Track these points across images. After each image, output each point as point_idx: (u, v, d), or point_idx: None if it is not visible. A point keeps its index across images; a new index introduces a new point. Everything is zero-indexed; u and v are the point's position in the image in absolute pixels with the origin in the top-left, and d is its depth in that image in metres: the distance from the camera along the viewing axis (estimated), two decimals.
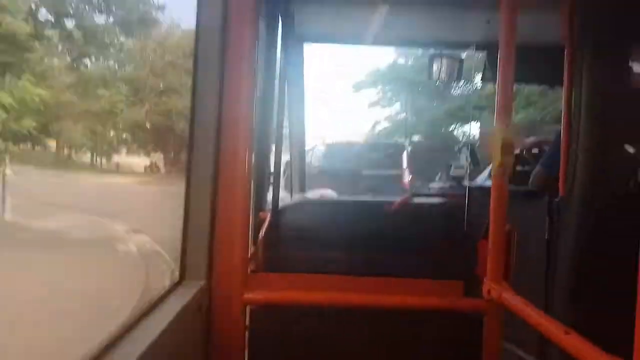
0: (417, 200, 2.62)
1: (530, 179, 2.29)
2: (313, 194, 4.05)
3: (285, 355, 1.40)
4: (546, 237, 1.98)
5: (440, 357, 1.41)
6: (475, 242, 1.62)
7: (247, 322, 1.39)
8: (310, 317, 1.43)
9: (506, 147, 1.33)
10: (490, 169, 3.23)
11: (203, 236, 1.35)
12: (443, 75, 2.58)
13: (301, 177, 3.55)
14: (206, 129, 1.36)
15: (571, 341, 1.01)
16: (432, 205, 2.64)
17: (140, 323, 1.07)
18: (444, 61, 2.58)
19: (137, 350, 0.95)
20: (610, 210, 1.82)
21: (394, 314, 1.42)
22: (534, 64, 2.46)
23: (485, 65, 2.66)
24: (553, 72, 2.35)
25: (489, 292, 1.37)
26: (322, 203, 2.78)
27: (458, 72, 2.56)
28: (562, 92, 2.14)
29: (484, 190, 2.19)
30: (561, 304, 1.81)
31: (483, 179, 3.10)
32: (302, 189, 3.56)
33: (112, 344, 0.96)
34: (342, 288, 1.43)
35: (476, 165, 2.81)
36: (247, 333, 1.38)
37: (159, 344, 1.00)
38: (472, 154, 2.72)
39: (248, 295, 1.36)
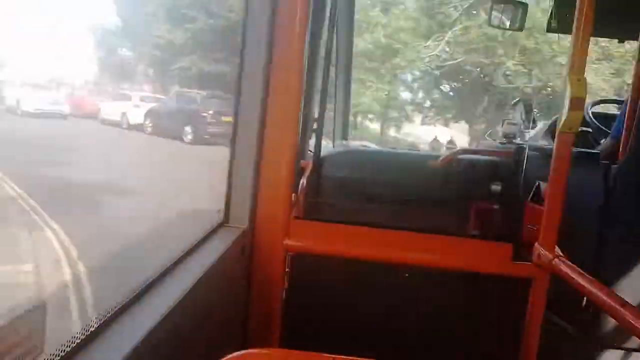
0: (465, 156, 2.51)
1: (601, 151, 2.14)
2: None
3: (325, 303, 1.40)
4: (601, 204, 1.87)
5: (481, 319, 1.38)
6: (523, 203, 1.55)
7: (288, 267, 1.40)
8: (350, 267, 1.42)
9: (576, 103, 1.22)
10: (545, 128, 3.04)
11: (247, 180, 1.34)
12: (505, 21, 2.39)
13: (345, 124, 3.48)
14: (255, 72, 1.31)
15: (629, 315, 0.95)
16: (480, 163, 2.53)
17: (184, 261, 1.09)
18: (507, 6, 2.38)
19: (182, 286, 0.96)
20: None
21: (436, 271, 1.39)
22: (608, 14, 2.24)
23: (551, 13, 2.45)
24: (630, 24, 2.14)
25: (539, 256, 1.31)
26: (365, 153, 2.72)
27: (521, 18, 2.36)
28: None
29: (539, 151, 2.07)
30: (614, 272, 1.73)
31: (536, 138, 2.95)
32: (345, 137, 3.49)
33: (157, 280, 0.97)
34: (385, 242, 1.40)
35: (531, 122, 2.65)
36: (287, 279, 1.39)
37: (203, 282, 1.02)
38: (528, 110, 2.56)
39: (289, 242, 1.36)
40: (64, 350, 0.70)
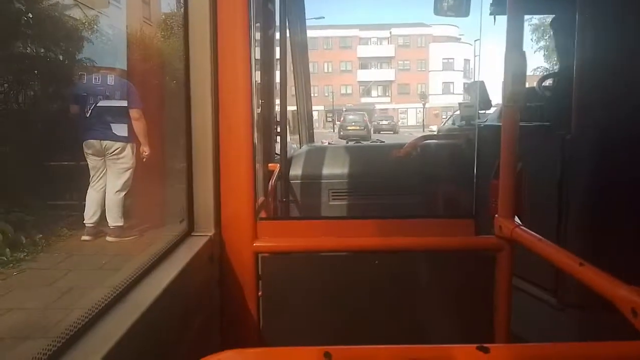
0: (426, 143, 2.57)
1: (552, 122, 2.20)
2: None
3: (300, 301, 1.41)
4: (558, 175, 1.94)
5: (452, 295, 1.41)
6: (486, 182, 1.59)
7: (260, 270, 1.40)
8: (323, 261, 1.43)
9: (516, 77, 1.26)
10: (499, 110, 3.13)
11: (208, 187, 1.34)
12: (449, 9, 2.45)
13: (309, 127, 3.52)
14: (202, 80, 1.32)
15: (586, 272, 0.99)
16: (441, 147, 2.59)
17: (150, 274, 1.08)
18: None
19: (148, 299, 0.95)
20: (624, 145, 1.77)
21: (405, 254, 1.42)
22: None
23: None
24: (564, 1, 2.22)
25: (500, 228, 1.35)
26: (330, 149, 2.75)
27: (466, 4, 2.43)
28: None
29: (495, 129, 2.13)
30: (573, 241, 1.79)
31: (494, 117, 3.02)
32: (311, 140, 3.54)
33: (122, 294, 0.97)
34: (353, 232, 1.42)
35: (487, 103, 2.71)
36: (260, 281, 1.39)
37: (170, 294, 1.01)
38: (483, 91, 2.62)
39: (258, 244, 1.36)
40: None
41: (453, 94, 42.24)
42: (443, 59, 44.45)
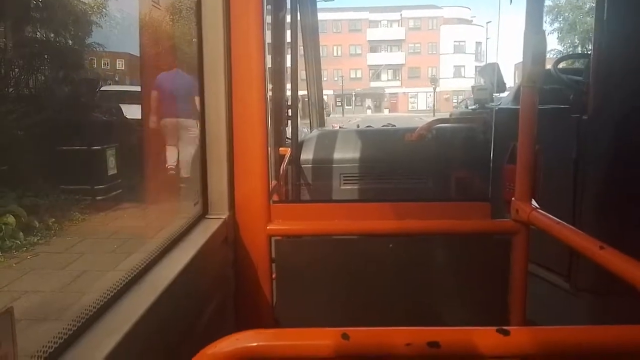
0: (439, 126, 2.54)
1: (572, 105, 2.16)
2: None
3: (314, 284, 1.41)
4: (574, 156, 1.91)
5: (467, 279, 1.40)
6: (500, 165, 1.57)
7: (274, 254, 1.40)
8: (336, 245, 1.43)
9: (536, 57, 1.24)
10: (514, 93, 3.07)
11: (223, 170, 1.34)
12: None
13: (320, 113, 3.50)
14: (216, 64, 1.30)
15: (607, 255, 0.98)
16: (455, 131, 2.56)
17: (166, 256, 1.08)
18: None
19: (164, 281, 0.96)
20: None
21: (420, 238, 1.41)
22: None
23: None
24: None
25: (517, 212, 1.33)
26: (341, 133, 2.74)
27: None
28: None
29: (510, 112, 2.10)
30: (589, 223, 1.77)
31: (507, 100, 2.98)
32: (322, 124, 3.52)
33: (139, 275, 0.97)
34: (367, 215, 1.41)
35: (501, 85, 2.67)
36: (273, 263, 1.39)
37: (186, 276, 1.01)
38: (498, 74, 2.57)
39: (271, 227, 1.36)
40: (53, 345, 0.69)
41: (464, 77, 41.70)
42: (454, 41, 43.76)
